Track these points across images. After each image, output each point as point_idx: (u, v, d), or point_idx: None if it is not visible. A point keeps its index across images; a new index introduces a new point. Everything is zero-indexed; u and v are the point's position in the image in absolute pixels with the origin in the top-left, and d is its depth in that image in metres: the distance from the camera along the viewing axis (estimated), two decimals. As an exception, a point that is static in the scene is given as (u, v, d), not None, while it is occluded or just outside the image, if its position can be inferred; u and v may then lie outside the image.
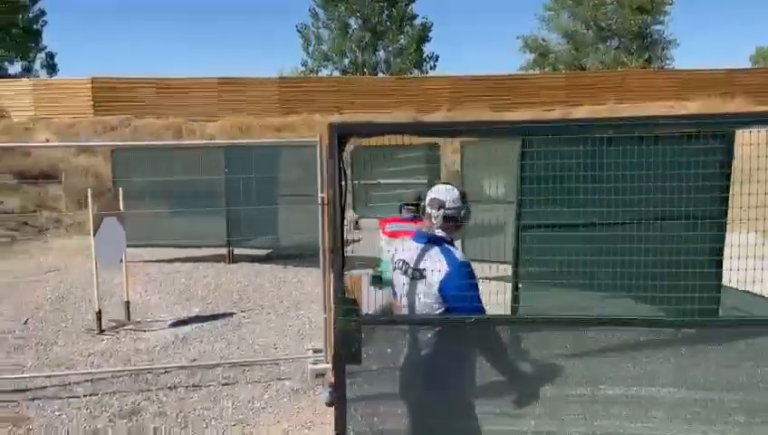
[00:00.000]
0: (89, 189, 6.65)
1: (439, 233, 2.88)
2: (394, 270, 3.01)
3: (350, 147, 2.79)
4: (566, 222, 5.60)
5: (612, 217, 6.04)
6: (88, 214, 6.69)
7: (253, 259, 11.08)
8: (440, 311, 2.78)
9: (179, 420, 4.62)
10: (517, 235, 5.53)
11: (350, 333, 2.71)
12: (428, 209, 2.92)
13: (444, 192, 2.93)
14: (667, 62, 33.68)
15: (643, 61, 31.79)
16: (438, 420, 2.78)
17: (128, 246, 10.99)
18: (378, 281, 4.98)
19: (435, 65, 33.41)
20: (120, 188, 7.19)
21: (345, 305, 2.70)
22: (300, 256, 10.25)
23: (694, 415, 2.79)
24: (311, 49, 32.52)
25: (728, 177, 5.99)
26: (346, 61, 31.96)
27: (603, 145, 5.39)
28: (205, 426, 4.55)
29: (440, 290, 2.76)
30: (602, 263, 5.43)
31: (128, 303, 7.03)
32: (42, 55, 31.02)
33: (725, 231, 5.88)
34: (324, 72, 32.76)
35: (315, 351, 5.75)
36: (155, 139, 20.31)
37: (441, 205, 2.89)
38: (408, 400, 2.89)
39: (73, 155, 19.12)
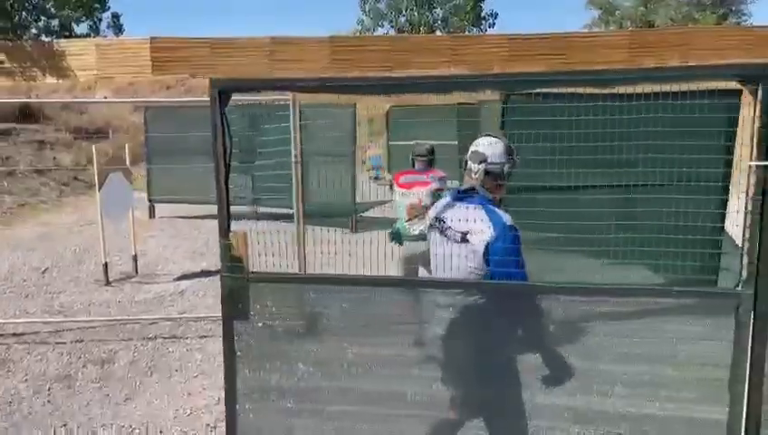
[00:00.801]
0: (93, 146, 6.89)
1: (481, 191, 2.67)
2: (430, 227, 2.84)
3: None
4: (549, 184, 5.41)
5: (599, 180, 5.81)
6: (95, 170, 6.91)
7: (277, 217, 11.24)
8: (479, 276, 2.60)
9: (147, 370, 4.82)
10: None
11: (237, 290, 2.73)
12: (469, 164, 2.71)
13: (486, 145, 2.69)
14: (744, 18, 31.54)
15: (717, 17, 29.85)
16: (489, 389, 2.65)
17: (156, 201, 11.55)
18: (397, 236, 5.07)
19: (494, 23, 32.54)
20: (127, 145, 7.39)
21: (231, 262, 2.72)
22: (329, 216, 10.36)
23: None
24: (367, 7, 32.21)
25: (733, 137, 5.62)
26: (402, 19, 31.50)
27: (590, 101, 5.16)
28: (168, 376, 4.72)
29: (484, 254, 2.57)
30: (589, 227, 5.26)
31: (135, 256, 7.31)
32: (108, 16, 32.09)
33: (728, 196, 5.56)
34: (381, 31, 32.44)
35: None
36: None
37: (483, 159, 2.67)
38: (452, 369, 2.70)
39: (129, 112, 19.73)
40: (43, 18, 29.25)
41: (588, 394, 2.60)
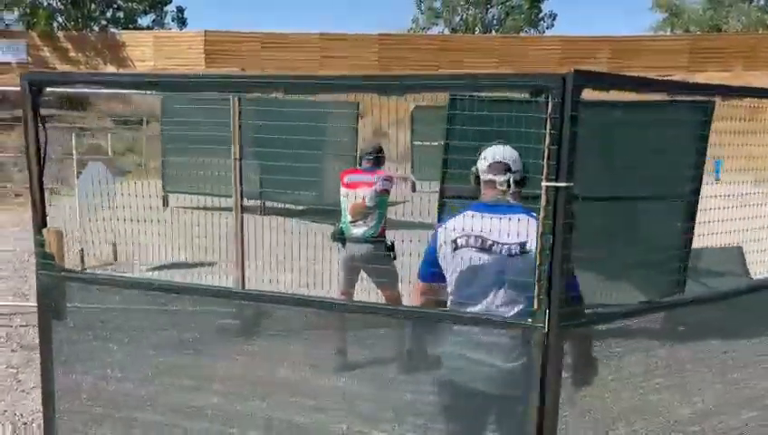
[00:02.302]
0: (73, 133, 7.07)
1: (514, 202, 2.49)
2: (456, 250, 2.47)
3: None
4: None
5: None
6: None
7: (288, 213, 11.29)
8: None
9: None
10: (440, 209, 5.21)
11: (50, 287, 2.70)
12: (488, 176, 2.50)
13: (503, 154, 2.51)
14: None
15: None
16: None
17: (171, 191, 11.79)
18: (339, 236, 4.98)
19: (552, 24, 31.72)
20: (110, 135, 7.56)
21: (44, 259, 2.68)
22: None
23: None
24: (423, 6, 32.02)
25: (704, 151, 5.27)
26: (457, 18, 31.15)
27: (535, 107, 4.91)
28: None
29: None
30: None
31: (114, 244, 7.47)
32: (173, 9, 33.18)
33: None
34: (435, 30, 32.19)
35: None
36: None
37: (507, 168, 2.48)
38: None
39: (172, 103, 20.22)
40: (109, 10, 30.42)
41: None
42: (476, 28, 30.50)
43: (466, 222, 2.48)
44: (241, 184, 5.45)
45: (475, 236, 2.45)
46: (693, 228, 4.91)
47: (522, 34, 29.25)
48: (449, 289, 2.54)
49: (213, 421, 2.47)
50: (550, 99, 2.01)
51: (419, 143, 14.22)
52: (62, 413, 2.70)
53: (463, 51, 25.64)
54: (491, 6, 30.84)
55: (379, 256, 4.84)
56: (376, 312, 2.45)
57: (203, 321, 2.48)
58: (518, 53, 25.37)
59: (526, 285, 2.18)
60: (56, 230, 2.63)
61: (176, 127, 11.44)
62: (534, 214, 2.42)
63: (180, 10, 33.40)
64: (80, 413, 2.71)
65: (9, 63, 24.78)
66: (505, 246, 2.41)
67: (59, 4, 29.30)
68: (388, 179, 4.96)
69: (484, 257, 2.43)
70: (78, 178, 6.96)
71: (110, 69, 26.24)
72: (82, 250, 7.11)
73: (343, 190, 5.03)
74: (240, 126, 5.32)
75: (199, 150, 11.50)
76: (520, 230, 2.34)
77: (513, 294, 2.38)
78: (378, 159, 5.03)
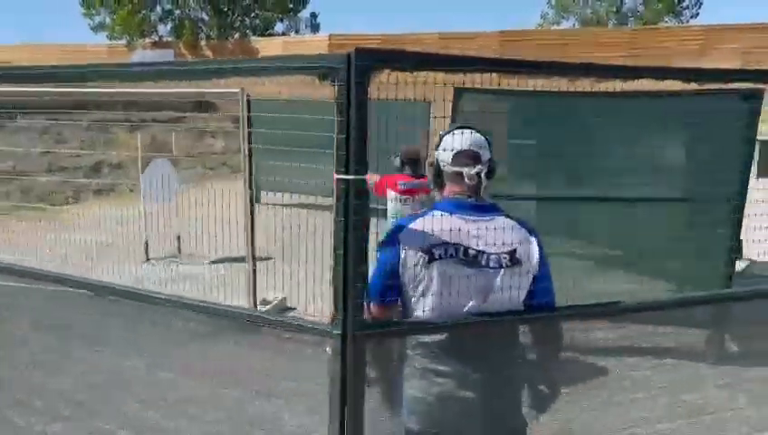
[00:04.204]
0: (138, 133, 7.55)
1: (488, 198, 2.14)
2: (431, 262, 2.02)
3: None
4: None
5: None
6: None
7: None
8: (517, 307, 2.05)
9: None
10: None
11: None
12: (451, 168, 2.12)
13: (471, 141, 2.12)
14: None
15: None
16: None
17: (263, 188, 12.21)
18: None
19: (697, 13, 29.12)
20: (174, 133, 7.97)
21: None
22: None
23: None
24: (552, 1, 30.79)
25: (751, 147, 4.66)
26: (588, 11, 29.59)
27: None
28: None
29: (539, 279, 2.05)
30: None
31: (179, 237, 7.88)
32: (307, 16, 34.70)
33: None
34: (566, 25, 30.82)
35: (264, 302, 5.87)
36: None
37: (476, 158, 2.11)
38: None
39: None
40: (247, 18, 32.38)
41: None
42: (610, 21, 28.77)
43: (437, 225, 2.02)
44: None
45: (455, 245, 2.01)
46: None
47: (660, 25, 27.16)
48: (423, 311, 2.04)
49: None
50: (336, 83, 1.81)
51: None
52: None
53: (589, 45, 24.26)
54: (626, -3, 28.98)
55: None
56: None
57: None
58: (649, 45, 23.59)
59: (519, 302, 1.99)
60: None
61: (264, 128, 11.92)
62: (520, 219, 2.17)
63: (313, 16, 34.82)
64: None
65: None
66: (494, 257, 2.01)
67: (204, 15, 31.66)
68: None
69: (468, 272, 2.00)
70: (142, 174, 7.41)
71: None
72: (147, 243, 7.59)
73: (399, 196, 4.72)
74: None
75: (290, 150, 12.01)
76: (506, 235, 2.00)
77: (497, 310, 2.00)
78: (417, 162, 4.77)
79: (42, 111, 10.98)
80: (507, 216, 2.10)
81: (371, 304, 2.07)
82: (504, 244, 1.99)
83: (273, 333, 1.98)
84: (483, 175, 2.09)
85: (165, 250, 7.90)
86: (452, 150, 2.13)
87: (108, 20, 30.48)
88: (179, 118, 18.22)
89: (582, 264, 4.94)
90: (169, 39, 31.17)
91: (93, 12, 30.63)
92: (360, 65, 1.74)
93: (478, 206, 2.09)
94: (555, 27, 30.01)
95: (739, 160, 4.46)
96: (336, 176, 1.83)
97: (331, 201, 1.83)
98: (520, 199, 4.54)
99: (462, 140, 2.13)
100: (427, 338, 1.99)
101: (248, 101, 13.86)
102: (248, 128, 12.57)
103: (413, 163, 4.73)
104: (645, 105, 4.95)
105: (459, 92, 4.63)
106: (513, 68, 2.09)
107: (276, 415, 1.99)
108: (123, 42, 28.74)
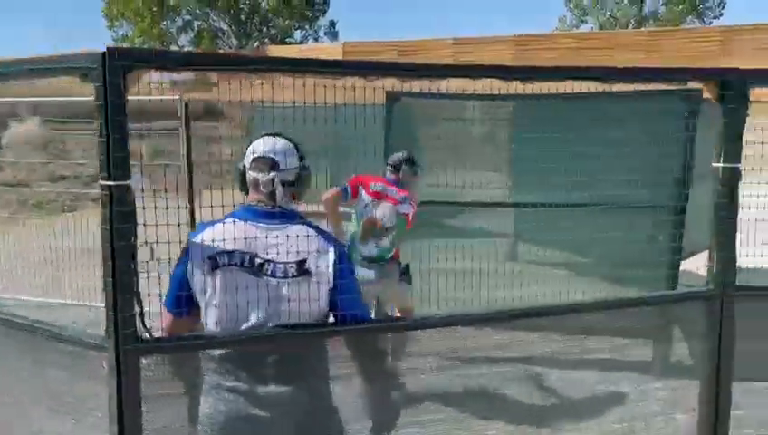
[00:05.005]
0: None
1: (286, 205, 2.06)
2: (215, 269, 1.95)
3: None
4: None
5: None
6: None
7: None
8: (318, 320, 1.97)
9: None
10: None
11: None
12: (250, 174, 2.06)
13: (271, 148, 2.05)
14: None
15: None
16: None
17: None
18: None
19: (721, 14, 28.43)
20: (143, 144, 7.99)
21: None
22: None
23: None
24: (572, 4, 30.41)
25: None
26: (607, 14, 29.13)
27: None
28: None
29: (334, 288, 1.97)
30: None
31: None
32: (326, 23, 34.90)
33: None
34: (585, 28, 30.40)
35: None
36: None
37: (273, 165, 2.03)
38: None
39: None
40: (264, 27, 32.73)
41: None
42: (630, 23, 28.26)
43: (228, 233, 1.95)
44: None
45: (242, 253, 1.95)
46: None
47: (683, 27, 26.57)
48: (206, 321, 1.99)
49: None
50: (93, 84, 1.73)
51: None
52: None
53: (607, 48, 23.85)
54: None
55: (393, 280, 4.14)
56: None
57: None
58: (666, 48, 23.08)
59: (310, 314, 1.88)
60: None
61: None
62: (319, 227, 2.10)
63: (332, 24, 35.01)
64: None
65: (176, 82, 27.67)
66: (280, 267, 1.95)
67: (223, 24, 32.10)
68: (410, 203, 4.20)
69: (252, 281, 1.93)
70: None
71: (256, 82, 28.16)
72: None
73: (367, 198, 4.27)
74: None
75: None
76: (298, 244, 1.93)
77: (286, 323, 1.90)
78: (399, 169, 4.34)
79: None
80: (308, 225, 2.02)
81: (166, 316, 2.00)
82: (292, 253, 1.90)
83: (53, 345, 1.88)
84: (278, 182, 2.00)
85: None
86: (252, 156, 2.07)
87: (130, 32, 31.11)
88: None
89: (533, 268, 4.79)
90: (189, 49, 31.73)
91: (116, 24, 31.29)
92: (115, 65, 1.65)
93: (273, 213, 2.01)
94: (574, 30, 29.63)
95: (679, 162, 4.26)
96: (101, 182, 1.74)
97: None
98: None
99: (262, 146, 2.06)
100: (216, 352, 1.88)
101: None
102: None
103: (396, 170, 4.32)
104: (586, 106, 4.79)
105: (392, 95, 4.51)
106: (316, 68, 1.97)
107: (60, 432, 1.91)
108: (144, 53, 29.35)
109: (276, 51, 28.67)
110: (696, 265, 6.48)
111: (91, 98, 1.66)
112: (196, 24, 30.83)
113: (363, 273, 3.97)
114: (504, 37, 25.44)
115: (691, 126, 4.10)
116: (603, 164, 4.32)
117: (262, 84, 1.96)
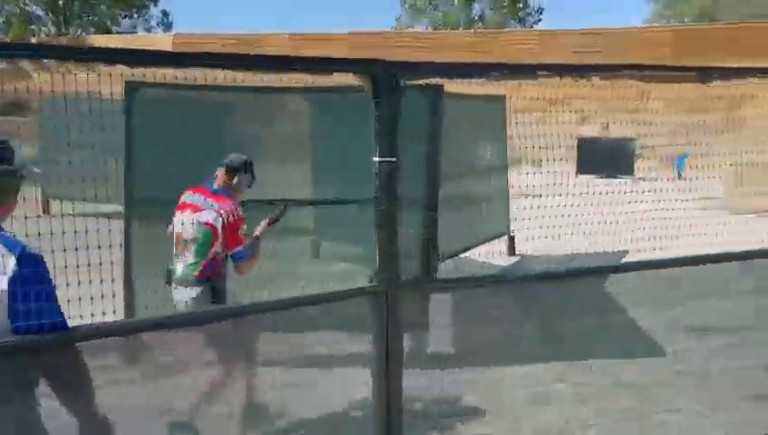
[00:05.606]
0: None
1: None
2: None
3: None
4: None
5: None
6: None
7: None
8: None
9: None
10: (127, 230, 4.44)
11: None
12: None
13: None
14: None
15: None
16: None
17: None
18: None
19: (540, 19, 30.69)
20: None
21: None
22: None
23: None
24: (406, 4, 31.35)
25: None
26: (440, 14, 30.37)
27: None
28: None
29: (11, 297, 1.73)
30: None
31: None
32: (158, 13, 33.20)
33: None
34: (420, 28, 31.46)
35: None
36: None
37: None
38: None
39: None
40: (87, 14, 30.50)
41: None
42: (461, 25, 29.66)
43: None
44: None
45: None
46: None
47: (506, 30, 28.35)
48: None
49: None
50: None
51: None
52: None
53: (435, 48, 24.89)
54: (474, 2, 30.00)
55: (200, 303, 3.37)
56: None
57: None
58: (491, 49, 24.54)
59: None
60: None
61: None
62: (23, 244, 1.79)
63: (165, 14, 33.35)
64: None
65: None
66: None
67: (38, 10, 29.42)
68: (225, 214, 3.35)
69: None
70: None
71: (81, 74, 26.17)
72: None
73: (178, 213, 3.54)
74: None
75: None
76: None
77: None
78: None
79: None
80: (13, 244, 1.76)
81: None
82: None
83: None
84: None
85: None
86: None
87: None
88: None
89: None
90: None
91: None
92: None
93: None
94: (410, 30, 30.57)
95: (424, 158, 4.32)
96: None
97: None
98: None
99: None
100: None
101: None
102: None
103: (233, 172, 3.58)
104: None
105: (132, 86, 4.18)
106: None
107: None
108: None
109: (99, 40, 26.71)
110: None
111: None
112: (5, 8, 27.93)
113: (176, 296, 3.40)
114: (339, 35, 25.67)
115: (436, 121, 4.16)
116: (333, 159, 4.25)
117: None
